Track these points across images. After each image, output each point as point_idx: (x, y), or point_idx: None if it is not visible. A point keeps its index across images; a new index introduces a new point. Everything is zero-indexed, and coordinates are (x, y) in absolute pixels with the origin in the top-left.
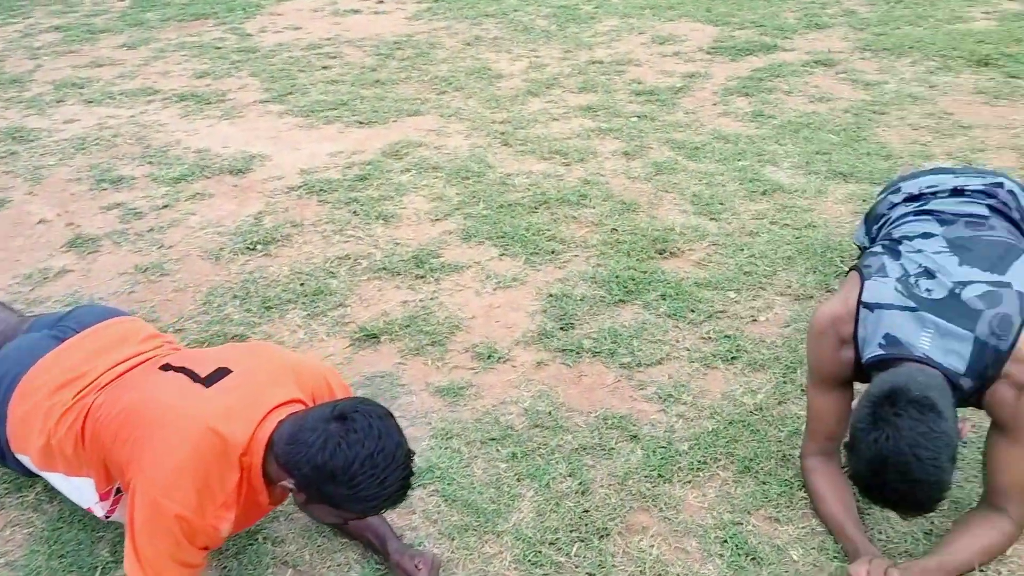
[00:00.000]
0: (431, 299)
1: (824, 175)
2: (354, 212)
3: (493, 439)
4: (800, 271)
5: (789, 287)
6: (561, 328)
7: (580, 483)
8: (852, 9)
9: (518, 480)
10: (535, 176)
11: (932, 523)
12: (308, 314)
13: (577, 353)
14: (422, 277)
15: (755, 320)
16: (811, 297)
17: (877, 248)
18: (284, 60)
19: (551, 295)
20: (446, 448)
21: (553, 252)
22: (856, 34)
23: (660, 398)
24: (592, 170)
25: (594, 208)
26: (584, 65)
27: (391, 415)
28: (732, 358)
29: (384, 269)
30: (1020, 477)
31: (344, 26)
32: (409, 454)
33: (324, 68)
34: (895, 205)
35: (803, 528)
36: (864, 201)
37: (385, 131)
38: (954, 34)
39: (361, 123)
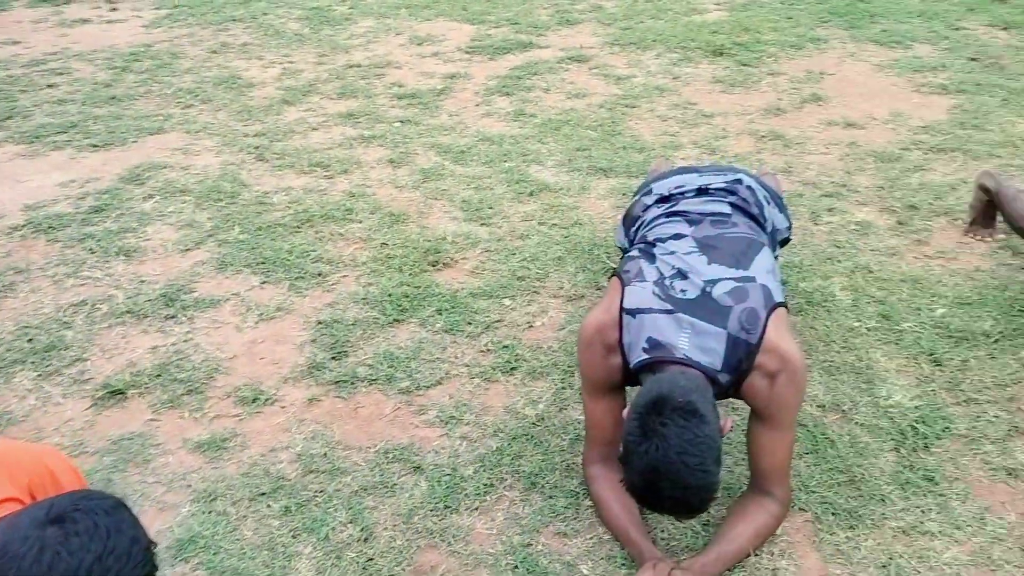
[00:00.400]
0: (185, 341)
1: (586, 171)
2: (90, 250)
3: (263, 494)
4: (570, 271)
5: (561, 288)
6: (333, 358)
7: (362, 529)
8: (599, 4)
9: (294, 537)
10: (295, 192)
11: (709, 513)
12: (39, 375)
13: (352, 383)
14: (173, 317)
15: (531, 326)
16: (583, 297)
17: (634, 252)
18: (1, 80)
19: (320, 322)
20: (210, 512)
21: (320, 274)
22: (604, 29)
23: (442, 421)
24: (357, 181)
25: (361, 222)
26: (342, 69)
27: (122, 506)
28: (512, 369)
29: (128, 312)
30: (781, 460)
31: (72, 38)
32: (149, 547)
33: (50, 87)
34: (648, 207)
35: (591, 539)
36: (624, 195)
37: (124, 154)
38: (691, 26)
39: (95, 147)
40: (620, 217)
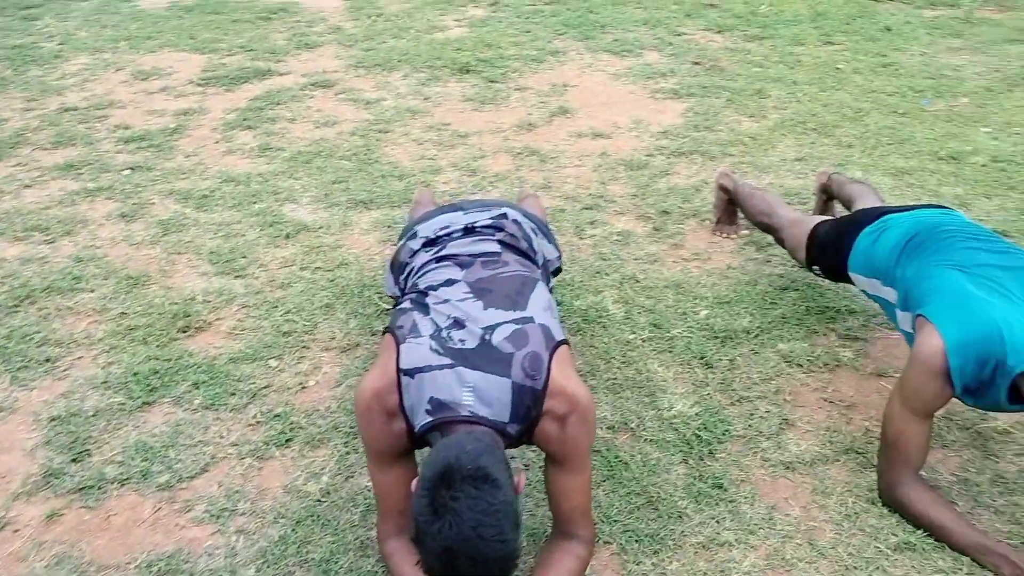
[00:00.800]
0: None
1: (345, 206)
2: None
3: None
4: (341, 318)
5: (333, 339)
6: (73, 460)
7: None
8: (338, 26)
9: None
10: (10, 264)
11: (518, 568)
12: None
13: (100, 488)
14: None
15: (304, 387)
16: (358, 345)
17: (406, 303)
18: None
19: (54, 418)
20: None
21: (48, 360)
22: (347, 51)
23: (213, 516)
24: (85, 243)
25: (93, 291)
26: (55, 114)
27: None
28: (287, 440)
29: None
30: (581, 500)
31: None
32: None
33: None
34: (416, 252)
35: None
36: (389, 227)
37: None
38: (435, 44)
39: None
40: (387, 264)
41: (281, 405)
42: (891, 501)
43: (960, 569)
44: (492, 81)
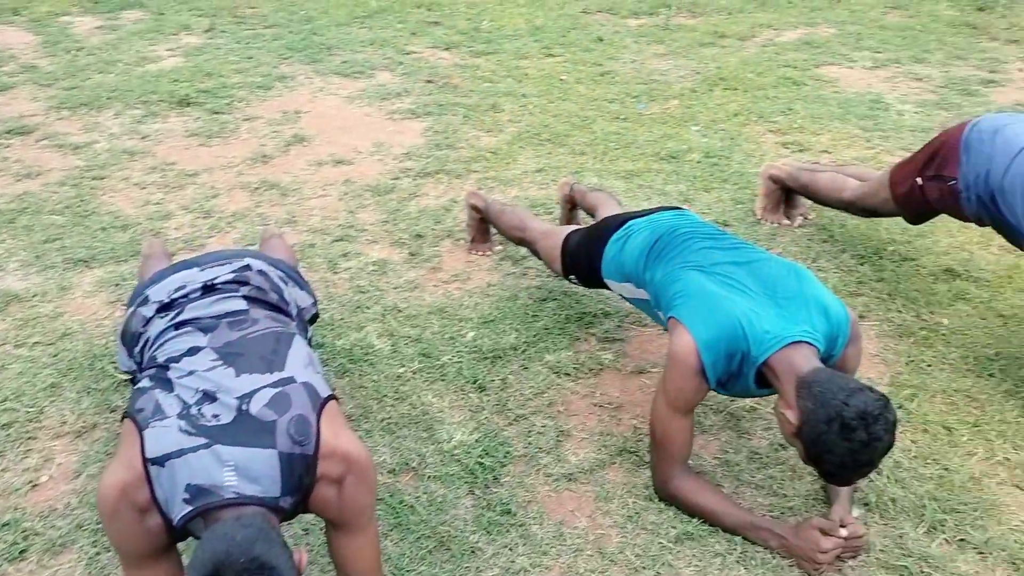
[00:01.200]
0: None
1: (62, 267)
2: None
3: None
4: (72, 398)
5: (65, 423)
6: None
7: None
8: (32, 64)
9: None
10: None
11: None
12: None
13: None
14: None
15: (36, 485)
16: (95, 426)
17: (145, 381)
18: None
19: None
20: None
21: None
22: (45, 92)
23: None
24: None
25: None
26: None
27: None
28: (21, 552)
29: None
30: (370, 561)
31: None
32: None
33: None
34: (149, 320)
35: None
36: (117, 286)
37: None
38: (147, 77)
39: None
40: (118, 336)
41: (9, 511)
42: (666, 496)
43: (735, 550)
44: (217, 112)
